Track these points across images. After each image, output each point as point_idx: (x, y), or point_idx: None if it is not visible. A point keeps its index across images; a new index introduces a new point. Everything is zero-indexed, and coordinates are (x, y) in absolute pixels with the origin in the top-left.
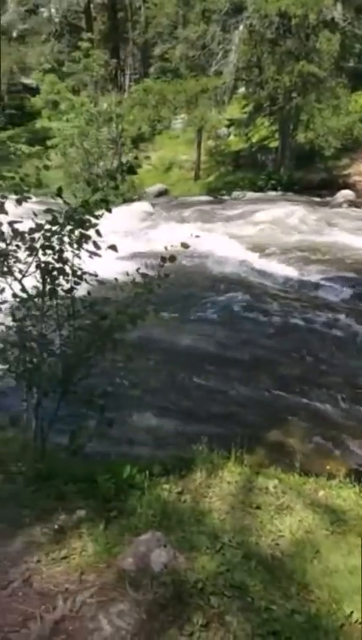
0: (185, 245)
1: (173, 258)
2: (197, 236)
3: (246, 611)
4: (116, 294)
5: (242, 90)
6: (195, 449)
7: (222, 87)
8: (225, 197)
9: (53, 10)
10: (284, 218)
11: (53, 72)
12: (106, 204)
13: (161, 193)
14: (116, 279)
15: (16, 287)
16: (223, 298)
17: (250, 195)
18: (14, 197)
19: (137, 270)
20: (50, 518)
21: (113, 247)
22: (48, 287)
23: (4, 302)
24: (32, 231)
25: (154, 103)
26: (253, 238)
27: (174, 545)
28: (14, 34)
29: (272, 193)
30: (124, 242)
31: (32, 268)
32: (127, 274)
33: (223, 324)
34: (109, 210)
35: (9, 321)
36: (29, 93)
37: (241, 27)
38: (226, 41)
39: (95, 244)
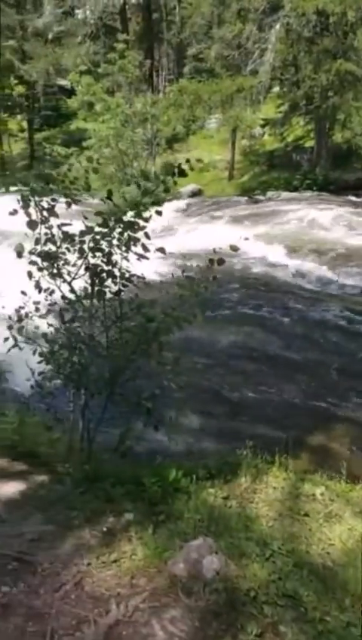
0: (234, 248)
1: (221, 261)
2: (246, 239)
3: (301, 622)
4: (161, 296)
5: (276, 89)
6: (239, 453)
7: (257, 86)
8: (260, 197)
9: (88, 12)
10: (320, 218)
11: (88, 74)
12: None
13: (195, 193)
14: (161, 281)
15: (64, 289)
16: (263, 300)
17: (285, 194)
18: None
19: (182, 272)
20: (99, 520)
21: (161, 250)
22: (96, 289)
23: (54, 303)
24: (82, 234)
25: (189, 103)
26: (288, 238)
27: (224, 551)
28: (50, 36)
29: (307, 193)
30: (159, 243)
31: (80, 270)
32: (172, 275)
33: (264, 326)
34: (159, 213)
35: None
36: (65, 95)
37: (278, 26)
38: (262, 40)
39: (144, 246)
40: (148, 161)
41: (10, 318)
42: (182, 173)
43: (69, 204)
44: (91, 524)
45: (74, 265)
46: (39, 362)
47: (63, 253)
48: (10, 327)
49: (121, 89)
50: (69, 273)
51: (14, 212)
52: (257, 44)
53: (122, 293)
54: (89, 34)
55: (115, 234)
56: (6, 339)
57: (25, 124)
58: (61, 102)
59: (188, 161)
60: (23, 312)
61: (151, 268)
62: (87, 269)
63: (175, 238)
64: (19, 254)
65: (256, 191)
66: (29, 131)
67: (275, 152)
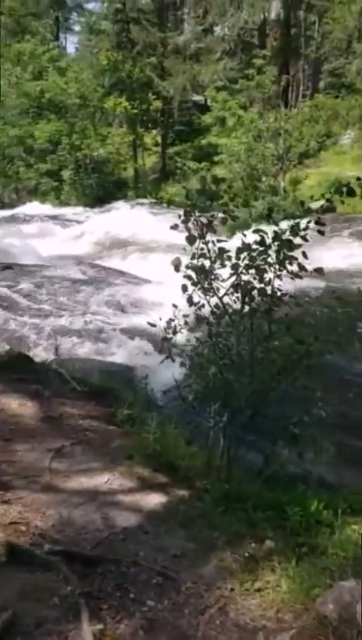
0: None
1: None
2: None
3: None
4: (302, 315)
5: None
6: None
7: None
8: None
9: (226, 29)
10: None
11: (224, 89)
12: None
13: (326, 209)
14: (308, 300)
15: (213, 303)
16: None
17: None
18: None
19: (332, 293)
20: (241, 544)
21: (319, 271)
22: (247, 306)
23: (204, 318)
24: (239, 250)
25: (325, 118)
26: None
27: None
28: (188, 52)
29: None
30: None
31: (228, 285)
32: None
33: None
34: (322, 233)
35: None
36: (198, 110)
37: None
38: None
39: (300, 265)
40: (278, 176)
41: (164, 330)
42: (352, 193)
43: (225, 221)
44: (233, 547)
45: (223, 280)
46: (189, 376)
47: (215, 269)
48: (164, 339)
49: (254, 104)
50: (218, 289)
51: (175, 226)
52: None
53: (274, 312)
54: (226, 50)
55: (271, 252)
56: (160, 351)
57: (159, 139)
58: (194, 117)
59: (358, 179)
60: (173, 324)
61: (293, 285)
62: (237, 285)
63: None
64: (177, 268)
65: None
66: (163, 146)
67: None
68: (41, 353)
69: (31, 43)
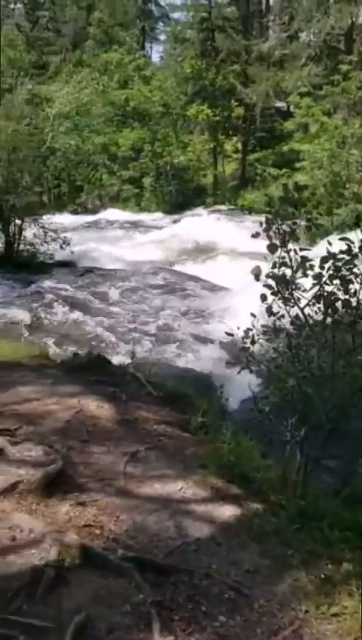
0: None
1: None
2: None
3: None
4: None
5: None
6: None
7: None
8: None
9: (312, 35)
10: None
11: (308, 96)
12: None
13: None
14: None
15: (293, 314)
16: None
17: None
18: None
19: None
20: (317, 564)
21: None
22: (330, 318)
23: (284, 329)
24: (323, 259)
25: None
26: None
27: None
28: (272, 59)
29: None
30: None
31: (310, 296)
32: None
33: None
34: None
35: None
36: (280, 117)
37: None
38: None
39: None
40: None
41: (242, 339)
42: None
43: (308, 229)
44: (308, 566)
45: (304, 290)
46: (266, 388)
47: (296, 278)
48: (242, 349)
49: (339, 110)
50: (298, 299)
51: (256, 235)
52: None
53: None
54: (312, 56)
55: (358, 262)
56: (235, 360)
57: (239, 146)
58: (276, 124)
59: None
60: (251, 333)
61: None
62: (320, 296)
63: None
64: (257, 277)
65: None
66: (243, 152)
67: None
68: (118, 356)
69: (118, 53)
